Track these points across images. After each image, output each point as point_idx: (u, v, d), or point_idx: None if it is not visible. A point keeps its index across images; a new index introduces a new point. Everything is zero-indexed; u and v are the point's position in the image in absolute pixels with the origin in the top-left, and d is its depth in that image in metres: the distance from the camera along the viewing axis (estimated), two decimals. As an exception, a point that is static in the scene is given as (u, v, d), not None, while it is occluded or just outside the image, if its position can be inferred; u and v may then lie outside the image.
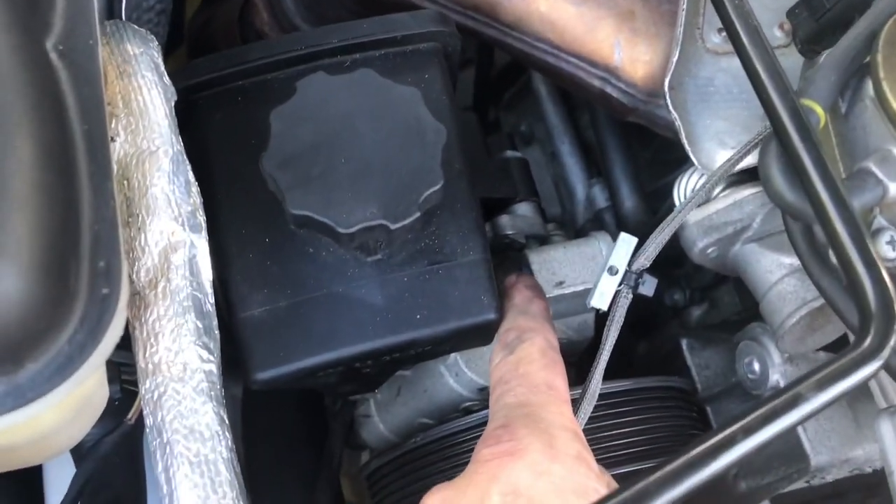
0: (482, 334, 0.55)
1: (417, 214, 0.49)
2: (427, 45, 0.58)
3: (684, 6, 0.60)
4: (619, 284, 0.55)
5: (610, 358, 0.84)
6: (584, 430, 0.57)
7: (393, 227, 0.48)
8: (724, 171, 0.52)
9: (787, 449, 0.59)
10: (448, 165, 0.52)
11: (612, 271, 0.55)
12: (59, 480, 0.71)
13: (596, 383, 0.53)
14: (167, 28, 0.84)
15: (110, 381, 0.54)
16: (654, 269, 0.80)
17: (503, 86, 1.03)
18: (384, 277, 0.53)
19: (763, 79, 0.38)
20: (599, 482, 0.45)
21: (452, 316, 0.52)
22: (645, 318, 0.84)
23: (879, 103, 0.40)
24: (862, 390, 0.59)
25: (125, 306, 0.35)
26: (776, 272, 0.55)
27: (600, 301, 0.55)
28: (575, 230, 0.88)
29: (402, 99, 0.51)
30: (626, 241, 0.55)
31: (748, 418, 0.32)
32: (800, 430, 0.57)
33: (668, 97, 0.59)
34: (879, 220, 0.42)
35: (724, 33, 0.62)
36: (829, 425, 0.58)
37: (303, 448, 0.75)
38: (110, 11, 0.72)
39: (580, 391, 0.53)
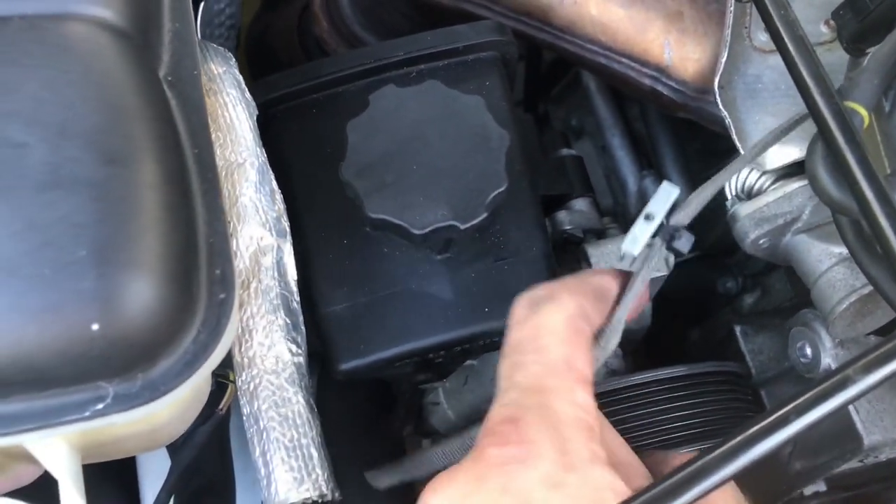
0: (546, 325, 0.59)
1: (485, 215, 0.52)
2: (487, 55, 0.62)
3: (731, 7, 0.62)
4: (654, 235, 0.52)
5: (665, 344, 0.86)
6: (642, 415, 0.60)
7: (462, 227, 0.52)
8: (761, 149, 0.51)
9: (840, 429, 0.61)
10: (510, 167, 0.56)
11: (649, 217, 0.52)
12: (151, 470, 0.77)
13: (618, 321, 0.48)
14: (235, 41, 0.89)
15: (206, 374, 0.59)
16: (705, 258, 0.83)
17: (552, 80, 1.06)
18: (453, 274, 0.57)
19: (808, 83, 0.41)
20: (613, 474, 0.42)
21: (518, 309, 0.56)
22: (698, 305, 0.86)
23: (921, 104, 0.43)
24: (912, 372, 0.61)
25: (238, 309, 0.39)
26: (826, 261, 0.58)
27: (632, 245, 0.51)
28: (627, 222, 0.91)
29: (467, 107, 0.55)
30: (667, 191, 0.50)
31: (800, 399, 0.35)
32: (852, 410, 0.60)
33: (717, 96, 0.61)
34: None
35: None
36: (882, 406, 0.60)
37: (370, 434, 0.80)
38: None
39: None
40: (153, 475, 0.73)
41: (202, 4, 0.73)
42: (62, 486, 0.41)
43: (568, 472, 0.41)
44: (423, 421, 0.73)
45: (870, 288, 0.53)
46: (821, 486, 1.08)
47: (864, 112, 0.43)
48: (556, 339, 0.45)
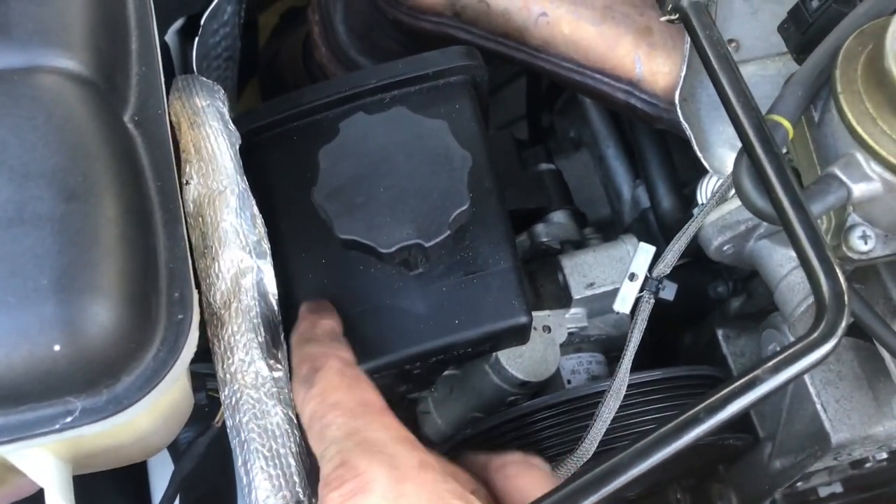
0: (516, 335, 0.61)
1: (448, 232, 0.55)
2: (456, 78, 0.65)
3: (692, 23, 0.65)
4: (641, 290, 0.59)
5: (657, 348, 0.88)
6: (615, 419, 0.63)
7: (427, 244, 0.55)
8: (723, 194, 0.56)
9: (811, 429, 0.63)
10: (477, 185, 0.58)
11: (633, 278, 0.60)
12: (162, 479, 0.81)
13: (620, 381, 0.57)
14: (236, 70, 0.93)
15: (196, 389, 0.63)
16: (696, 263, 0.85)
17: (556, 92, 1.09)
18: (425, 289, 0.59)
19: (731, 98, 0.43)
20: (446, 478, 0.45)
21: (487, 320, 0.59)
22: (693, 310, 0.88)
23: (839, 115, 0.44)
24: (882, 371, 0.62)
25: (197, 327, 0.43)
26: (786, 265, 0.60)
27: (622, 305, 0.59)
28: (623, 230, 0.93)
29: (431, 131, 0.58)
30: (645, 251, 0.59)
31: (711, 398, 0.37)
32: (819, 410, 0.61)
33: (678, 109, 0.64)
34: (853, 218, 0.46)
35: (733, 44, 0.66)
36: (849, 405, 0.61)
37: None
38: (184, 62, 0.82)
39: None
40: (164, 480, 0.77)
41: (197, 39, 0.78)
42: (47, 493, 0.45)
43: (403, 483, 0.44)
44: (415, 429, 0.76)
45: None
46: (837, 488, 1.09)
47: (786, 124, 0.45)
48: (340, 393, 0.50)
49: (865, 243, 0.46)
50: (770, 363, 0.38)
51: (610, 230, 0.91)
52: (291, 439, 0.55)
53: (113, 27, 0.45)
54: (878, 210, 0.46)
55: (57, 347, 0.36)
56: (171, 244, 0.42)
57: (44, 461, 0.44)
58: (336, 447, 0.47)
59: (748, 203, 0.45)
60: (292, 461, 0.55)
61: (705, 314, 0.87)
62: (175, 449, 0.72)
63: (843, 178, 0.44)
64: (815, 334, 0.38)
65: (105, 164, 0.40)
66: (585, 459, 0.56)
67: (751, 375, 0.38)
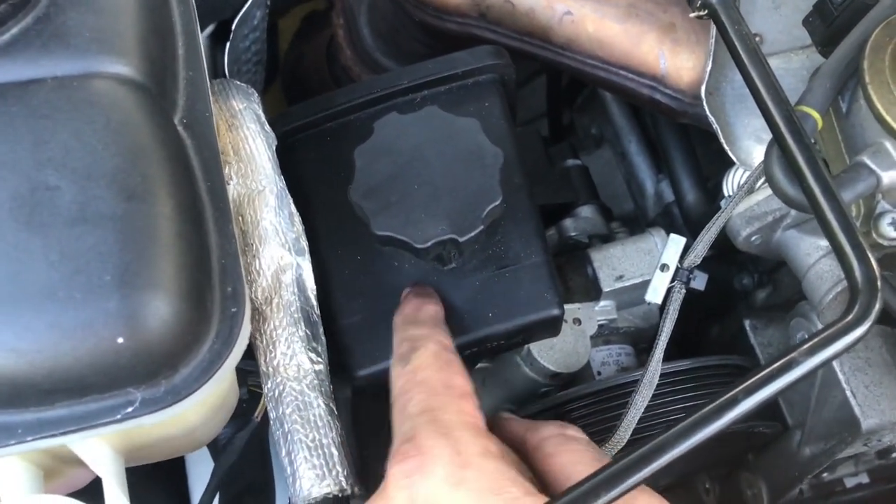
0: (548, 327, 0.63)
1: (481, 227, 0.57)
2: (485, 77, 0.66)
3: (715, 18, 0.66)
4: (672, 281, 0.61)
5: (683, 340, 0.89)
6: (647, 408, 0.64)
7: (461, 239, 0.57)
8: (760, 166, 0.57)
9: (841, 415, 0.64)
10: (508, 181, 0.60)
11: (664, 269, 0.61)
12: (200, 475, 0.83)
13: (652, 372, 0.58)
14: (264, 74, 0.95)
15: (239, 384, 0.65)
16: (721, 256, 0.86)
17: (575, 91, 1.10)
18: (459, 283, 0.61)
19: (761, 91, 0.45)
20: (508, 467, 0.46)
21: (520, 312, 0.60)
22: (718, 302, 0.89)
23: (867, 105, 0.45)
24: (912, 357, 0.63)
25: (249, 321, 0.44)
26: (814, 254, 0.61)
27: (654, 296, 0.61)
28: (647, 224, 0.94)
29: (463, 129, 0.59)
30: (675, 241, 0.61)
31: (749, 381, 0.39)
32: (849, 395, 0.62)
33: (705, 102, 0.65)
34: (882, 205, 0.47)
35: (757, 38, 0.67)
36: (879, 390, 0.62)
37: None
38: (215, 66, 0.84)
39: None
40: (202, 478, 0.79)
41: (228, 44, 0.79)
42: (105, 484, 0.46)
43: (465, 469, 0.45)
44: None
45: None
46: (863, 478, 1.09)
47: (815, 115, 0.46)
48: (429, 371, 0.52)
49: (895, 230, 0.47)
50: (806, 345, 0.39)
51: (634, 225, 0.92)
52: (333, 430, 0.57)
53: (162, 33, 0.47)
54: (906, 197, 0.47)
55: (120, 340, 0.38)
56: (223, 241, 0.44)
57: (103, 452, 0.46)
58: (410, 423, 0.49)
59: (780, 192, 0.46)
60: (335, 451, 0.56)
61: (731, 307, 0.88)
62: (214, 445, 0.74)
63: (873, 166, 0.45)
64: (850, 317, 0.39)
65: (160, 164, 0.41)
66: (620, 447, 0.58)
67: (788, 357, 0.39)
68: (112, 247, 0.38)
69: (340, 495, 0.55)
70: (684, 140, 0.87)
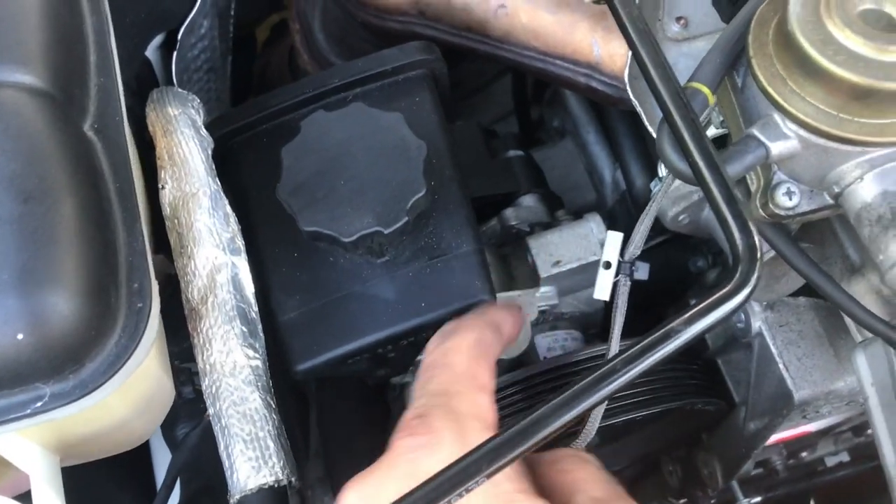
0: (481, 314, 0.64)
1: (406, 219, 0.58)
2: (415, 73, 0.67)
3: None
4: (616, 275, 0.61)
5: (644, 326, 0.90)
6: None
7: (386, 231, 0.58)
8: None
9: (778, 389, 0.64)
10: (437, 173, 0.61)
11: (607, 266, 0.61)
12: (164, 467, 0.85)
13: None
14: (224, 82, 0.97)
15: (183, 384, 0.66)
16: (677, 239, 0.86)
17: (543, 85, 1.11)
18: (392, 275, 0.62)
19: (651, 70, 0.46)
20: (510, 468, 0.44)
21: (452, 301, 0.61)
22: (673, 286, 0.90)
23: (752, 78, 0.46)
24: (842, 328, 0.64)
25: (157, 315, 0.46)
26: (738, 230, 0.61)
27: (602, 293, 0.61)
28: (607, 213, 0.95)
29: (387, 124, 0.61)
30: (614, 238, 0.60)
31: (628, 352, 0.40)
32: (782, 368, 0.63)
33: (628, 87, 0.66)
34: (778, 175, 0.48)
35: (681, 21, 0.68)
36: (811, 361, 0.63)
37: (370, 428, 0.85)
38: (168, 75, 0.86)
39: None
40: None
41: (175, 54, 0.81)
42: (32, 480, 0.48)
43: None
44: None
45: (772, 252, 0.56)
46: (844, 457, 1.10)
47: (706, 90, 0.47)
48: (461, 357, 0.54)
49: (790, 199, 0.47)
50: (685, 315, 0.40)
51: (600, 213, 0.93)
52: (269, 423, 0.58)
53: (70, 42, 0.49)
54: (799, 167, 0.48)
55: (20, 336, 0.40)
56: (130, 239, 0.45)
57: (26, 449, 0.47)
58: (426, 399, 0.51)
59: (671, 167, 0.47)
60: (271, 443, 0.58)
61: (687, 289, 0.89)
62: (174, 442, 0.76)
63: (762, 137, 0.46)
64: (729, 286, 0.40)
65: (60, 167, 0.43)
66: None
67: (666, 328, 0.40)
68: (9, 247, 0.40)
69: (277, 486, 0.57)
70: (633, 127, 0.88)
